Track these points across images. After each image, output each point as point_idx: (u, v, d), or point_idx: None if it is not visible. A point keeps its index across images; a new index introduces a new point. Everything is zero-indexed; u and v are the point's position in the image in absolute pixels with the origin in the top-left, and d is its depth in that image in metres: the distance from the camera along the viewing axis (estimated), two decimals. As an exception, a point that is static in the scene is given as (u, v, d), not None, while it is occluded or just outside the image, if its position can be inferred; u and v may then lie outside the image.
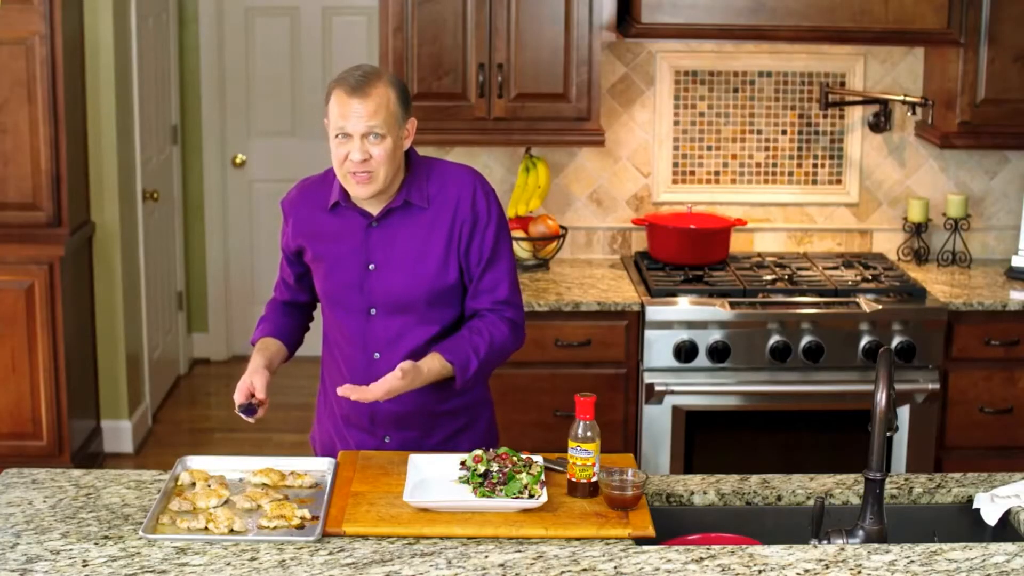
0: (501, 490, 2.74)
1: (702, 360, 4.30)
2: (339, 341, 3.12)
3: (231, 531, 2.62)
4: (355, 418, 3.13)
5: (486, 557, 2.54)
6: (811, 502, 2.88)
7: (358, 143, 2.88)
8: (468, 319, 3.08)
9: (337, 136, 2.91)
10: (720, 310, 4.29)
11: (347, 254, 3.04)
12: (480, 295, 3.05)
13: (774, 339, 4.29)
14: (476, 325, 3.04)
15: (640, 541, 2.63)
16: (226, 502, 2.75)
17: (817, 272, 4.62)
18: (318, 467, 2.93)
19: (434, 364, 2.97)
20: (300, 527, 2.65)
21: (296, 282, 3.21)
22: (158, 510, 2.69)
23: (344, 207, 3.03)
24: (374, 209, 3.01)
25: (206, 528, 2.63)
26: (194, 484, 2.83)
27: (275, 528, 2.64)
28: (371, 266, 3.02)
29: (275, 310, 3.28)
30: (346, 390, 2.89)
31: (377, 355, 3.05)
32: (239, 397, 3.05)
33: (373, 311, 3.04)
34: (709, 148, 4.87)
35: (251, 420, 3.07)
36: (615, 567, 2.50)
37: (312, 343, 7.47)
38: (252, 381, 3.06)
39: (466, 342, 3.01)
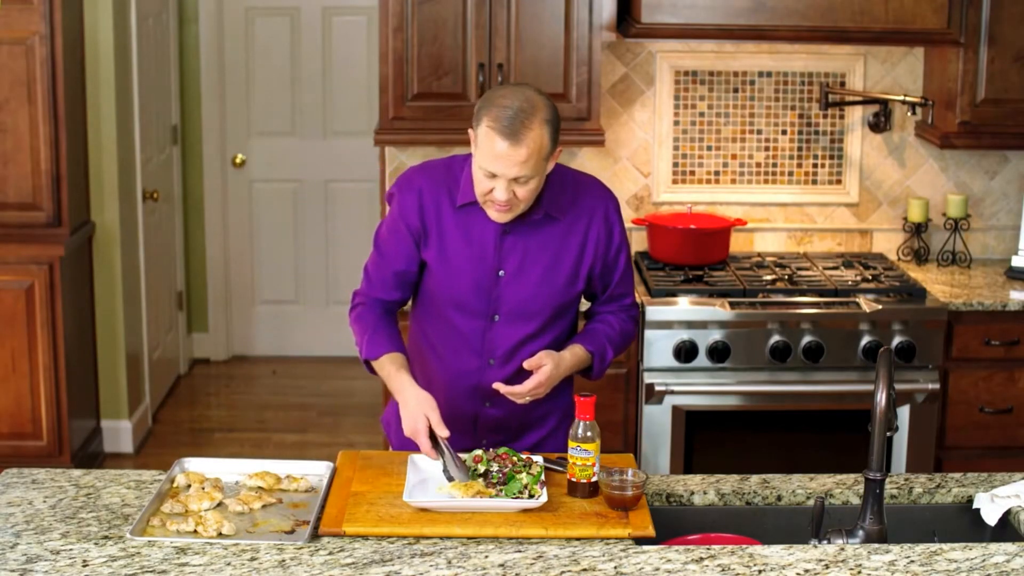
0: (501, 490, 2.74)
1: (702, 360, 4.30)
2: (450, 343, 3.05)
3: (219, 534, 2.61)
4: (457, 421, 3.08)
5: (486, 557, 2.54)
6: (811, 502, 2.88)
7: (504, 184, 2.81)
8: (591, 315, 3.16)
9: (482, 169, 2.82)
10: (720, 310, 4.29)
11: (476, 258, 2.97)
12: (610, 302, 3.13)
13: (774, 339, 4.29)
14: (607, 319, 3.12)
15: (640, 541, 2.63)
16: (219, 505, 2.75)
17: (817, 272, 4.62)
18: (315, 471, 2.92)
19: (576, 352, 3.03)
20: (290, 532, 2.65)
21: (410, 271, 3.01)
22: (149, 512, 2.69)
23: (477, 207, 2.94)
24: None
25: (195, 531, 2.62)
26: (189, 486, 2.83)
27: (264, 526, 2.64)
28: (501, 272, 2.98)
29: (382, 321, 3.03)
30: (501, 388, 2.94)
31: (492, 361, 3.04)
32: (426, 445, 2.81)
33: (496, 317, 3.01)
34: (709, 148, 4.87)
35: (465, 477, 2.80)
36: (615, 567, 2.50)
37: (308, 343, 7.43)
38: (427, 416, 2.83)
39: (601, 334, 3.08)
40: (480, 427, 3.12)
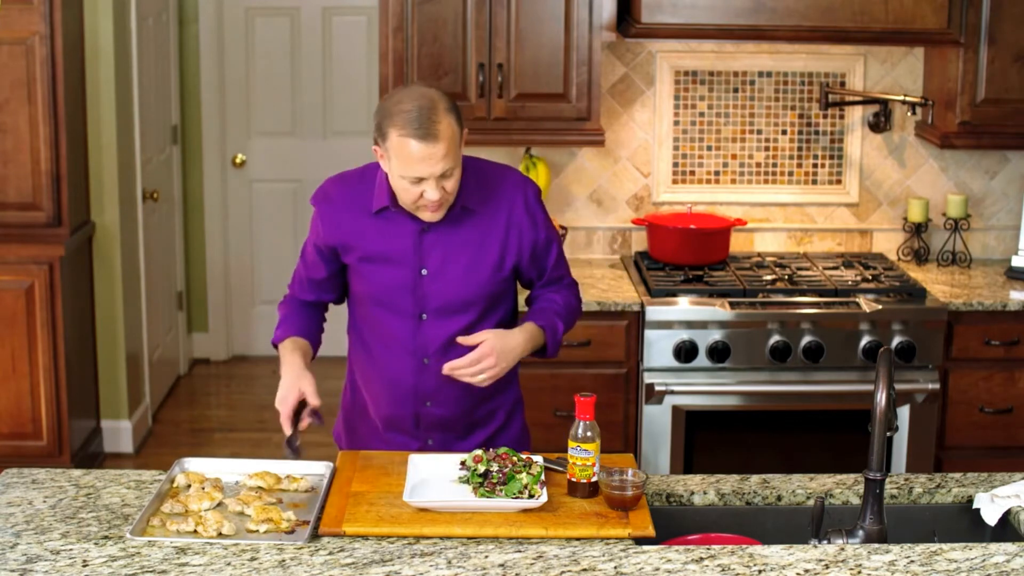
0: (501, 490, 2.74)
1: (702, 360, 4.30)
2: (384, 344, 3.06)
3: (219, 535, 2.61)
4: (400, 422, 3.11)
5: (486, 557, 2.54)
6: (811, 502, 2.88)
7: (434, 184, 2.82)
8: (531, 299, 3.16)
9: (405, 178, 2.83)
10: (720, 310, 4.29)
11: (397, 258, 2.98)
12: (548, 285, 3.13)
13: (774, 339, 4.29)
14: (549, 296, 3.11)
15: (640, 541, 2.63)
16: (218, 505, 2.75)
17: (817, 272, 4.62)
18: (315, 471, 2.92)
19: (527, 328, 3.01)
20: (290, 532, 2.65)
21: (326, 280, 3.11)
22: (149, 512, 2.69)
23: (392, 211, 2.96)
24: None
25: (195, 531, 2.62)
26: (189, 486, 2.83)
27: (265, 532, 2.64)
28: (424, 271, 2.98)
29: (296, 311, 3.15)
30: (448, 366, 2.91)
31: (427, 360, 3.03)
32: (287, 424, 2.91)
33: (424, 316, 3.01)
34: (709, 148, 4.87)
35: (297, 457, 2.91)
36: (615, 567, 2.50)
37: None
38: (300, 388, 2.93)
39: (548, 310, 3.08)
40: (423, 426, 3.11)
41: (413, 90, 2.84)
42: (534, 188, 3.05)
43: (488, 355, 2.92)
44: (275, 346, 3.12)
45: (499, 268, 3.01)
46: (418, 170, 2.80)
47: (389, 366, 3.07)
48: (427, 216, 2.91)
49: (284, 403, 2.95)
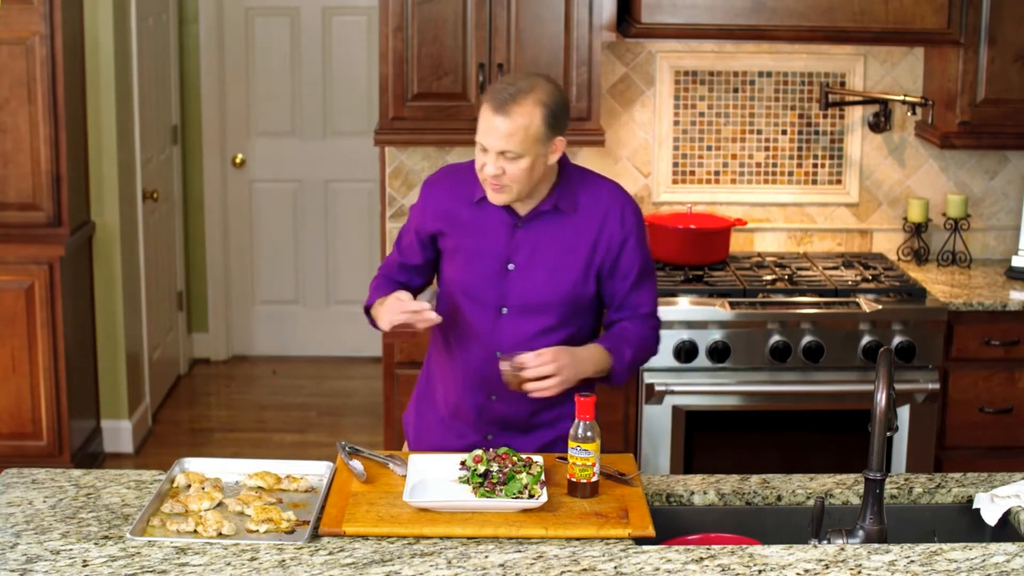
0: (501, 490, 2.74)
1: (702, 360, 4.30)
2: (461, 332, 3.11)
3: (219, 535, 2.61)
4: (464, 412, 3.15)
5: (486, 557, 2.55)
6: (811, 502, 2.88)
7: (493, 157, 2.90)
8: (606, 325, 3.15)
9: (477, 143, 2.93)
10: (720, 310, 4.29)
11: (488, 250, 3.04)
12: (624, 309, 3.11)
13: (774, 339, 4.29)
14: (622, 324, 3.10)
15: (640, 541, 2.63)
16: (219, 505, 2.75)
17: (817, 272, 4.62)
18: (315, 471, 2.93)
19: (592, 348, 3.01)
20: (290, 532, 2.65)
21: (419, 267, 3.18)
22: (149, 512, 2.69)
23: (491, 203, 3.02)
24: (521, 210, 3.03)
25: (195, 531, 2.62)
26: (189, 486, 2.83)
27: (265, 532, 2.64)
28: (511, 266, 3.03)
29: (389, 284, 3.20)
30: (507, 363, 2.91)
31: (499, 354, 3.05)
32: (413, 306, 2.96)
33: (505, 310, 3.06)
34: (709, 148, 4.87)
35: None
36: (615, 567, 2.51)
37: (308, 343, 7.41)
38: (396, 296, 2.98)
39: (615, 335, 3.08)
40: (485, 419, 3.14)
41: (533, 75, 2.95)
42: (633, 205, 3.09)
43: (549, 362, 2.88)
44: (367, 311, 3.16)
45: (585, 274, 3.04)
46: (483, 138, 2.90)
47: (461, 354, 3.11)
48: (490, 194, 2.97)
49: (396, 311, 2.96)
